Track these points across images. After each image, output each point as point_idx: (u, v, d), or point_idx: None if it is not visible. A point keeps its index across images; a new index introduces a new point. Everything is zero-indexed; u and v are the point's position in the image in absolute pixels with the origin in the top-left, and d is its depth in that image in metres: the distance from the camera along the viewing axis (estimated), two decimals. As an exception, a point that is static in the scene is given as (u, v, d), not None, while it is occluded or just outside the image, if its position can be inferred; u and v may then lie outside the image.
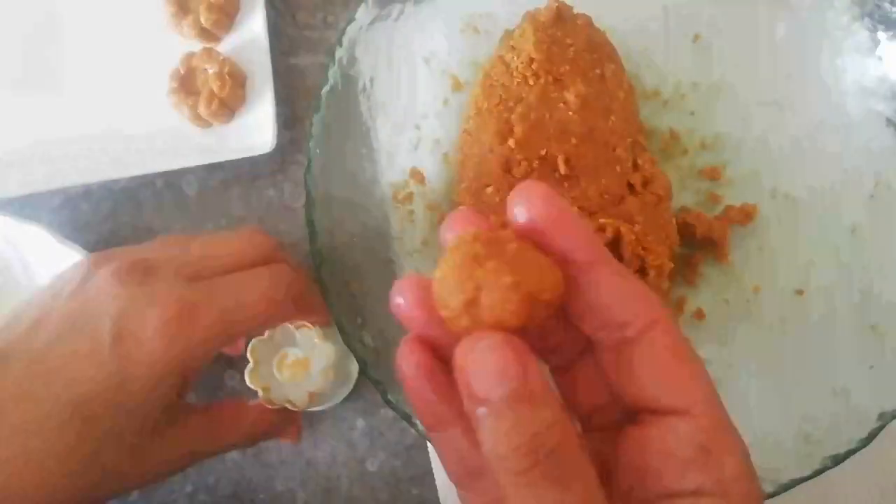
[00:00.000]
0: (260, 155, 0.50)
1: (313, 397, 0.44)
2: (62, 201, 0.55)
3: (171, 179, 0.54)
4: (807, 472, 0.37)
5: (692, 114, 0.47)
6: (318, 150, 0.43)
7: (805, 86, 0.45)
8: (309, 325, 0.44)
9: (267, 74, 0.51)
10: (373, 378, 0.40)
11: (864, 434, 0.38)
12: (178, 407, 0.37)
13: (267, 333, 0.44)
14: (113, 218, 0.54)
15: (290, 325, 0.44)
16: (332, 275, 0.42)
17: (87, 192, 0.55)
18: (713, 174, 0.46)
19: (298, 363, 0.45)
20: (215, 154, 0.51)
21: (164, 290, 0.35)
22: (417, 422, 0.40)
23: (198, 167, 0.52)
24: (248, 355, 0.44)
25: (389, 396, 0.40)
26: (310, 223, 0.42)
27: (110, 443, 0.33)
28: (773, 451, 0.38)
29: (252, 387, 0.45)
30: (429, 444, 0.49)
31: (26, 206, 0.54)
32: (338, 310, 0.41)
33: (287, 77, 0.54)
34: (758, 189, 0.45)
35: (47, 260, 0.50)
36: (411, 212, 0.46)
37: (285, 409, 0.43)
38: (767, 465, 0.37)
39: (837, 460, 0.37)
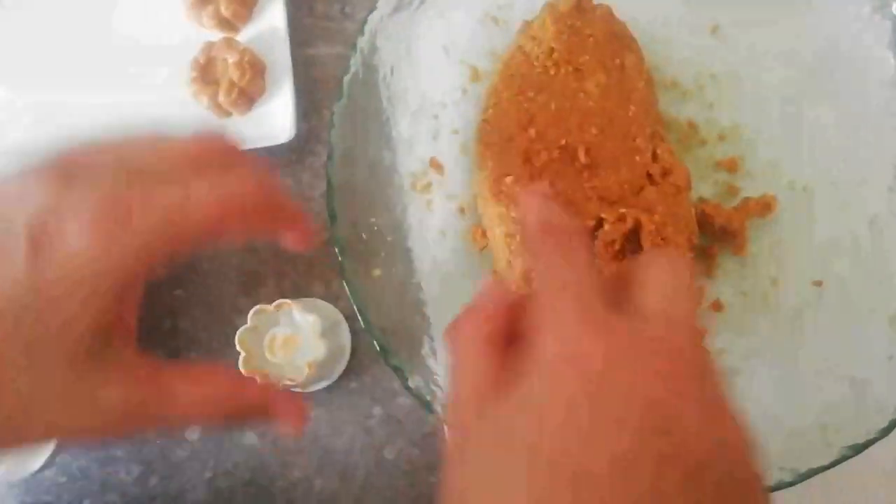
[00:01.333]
0: (277, 145, 0.50)
1: (312, 368, 0.45)
2: (82, 190, 0.55)
3: (190, 168, 0.54)
4: (826, 462, 0.38)
5: (711, 105, 0.47)
6: (339, 139, 0.43)
7: (825, 78, 0.45)
8: (289, 302, 0.46)
9: (286, 64, 0.51)
10: (393, 365, 0.41)
11: (884, 424, 0.38)
12: (115, 337, 0.30)
13: (250, 322, 0.46)
14: (132, 206, 0.55)
15: (269, 307, 0.46)
16: (353, 262, 0.42)
17: (107, 181, 0.55)
18: (731, 166, 0.46)
19: (288, 340, 0.47)
20: (234, 143, 0.51)
21: (96, 189, 0.28)
22: (437, 407, 0.40)
23: (217, 156, 0.52)
24: (238, 346, 0.46)
25: (410, 383, 0.40)
26: (331, 211, 0.42)
27: (22, 375, 0.27)
28: (792, 441, 0.38)
29: (248, 375, 0.46)
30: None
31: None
32: (359, 297, 0.41)
33: (304, 67, 0.54)
34: (776, 181, 0.45)
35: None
36: (430, 201, 0.46)
37: (287, 391, 0.44)
38: (786, 454, 0.38)
39: (857, 450, 0.38)
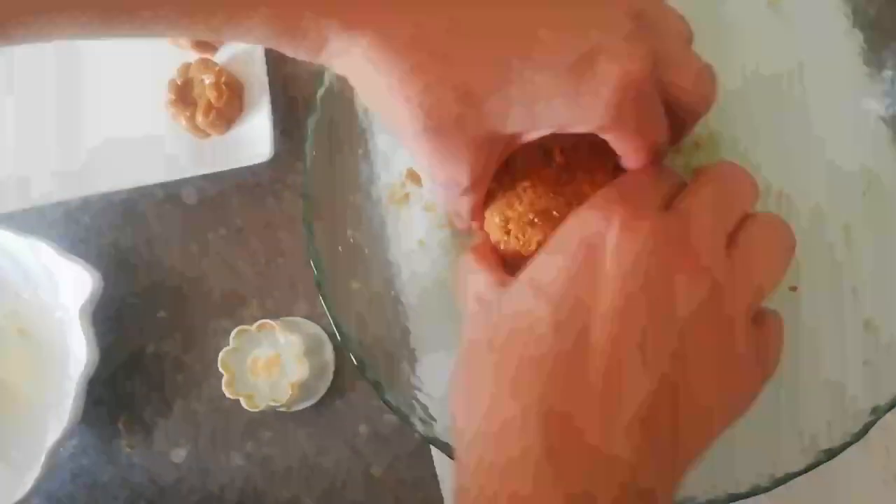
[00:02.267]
0: (258, 164, 0.50)
1: (296, 388, 0.45)
2: (62, 214, 0.55)
3: (171, 190, 0.54)
4: (801, 467, 0.38)
5: None
6: (314, 152, 0.43)
7: (796, 85, 0.45)
8: (271, 323, 0.46)
9: (263, 84, 0.51)
10: (371, 379, 0.40)
11: (858, 428, 0.38)
12: None
13: (232, 343, 0.46)
14: (113, 229, 0.55)
15: (251, 328, 0.46)
16: (330, 275, 0.42)
17: (87, 205, 0.55)
18: None
19: (270, 361, 0.47)
20: (214, 164, 0.51)
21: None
22: (415, 421, 0.40)
23: (197, 177, 0.52)
24: (221, 368, 0.46)
25: (387, 396, 0.40)
26: (307, 226, 0.42)
27: None
28: (768, 446, 0.38)
29: (233, 398, 0.46)
30: (432, 448, 0.49)
31: (27, 220, 0.54)
32: (336, 311, 0.41)
33: (282, 87, 0.54)
34: None
35: (50, 274, 0.51)
36: (408, 213, 0.46)
37: None
38: (762, 459, 0.38)
39: (832, 454, 0.38)
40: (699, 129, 0.46)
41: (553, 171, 0.42)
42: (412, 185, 0.46)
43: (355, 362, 0.41)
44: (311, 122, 0.43)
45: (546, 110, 0.28)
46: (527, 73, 0.27)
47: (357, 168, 0.45)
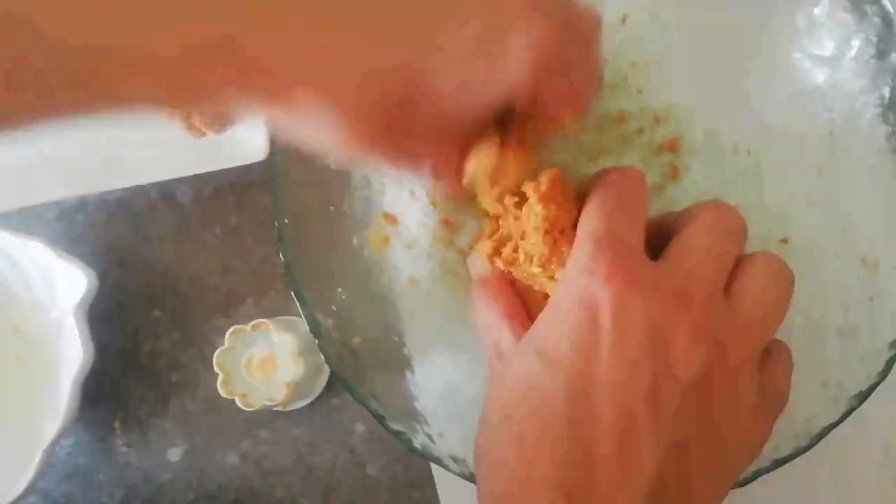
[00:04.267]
0: (254, 163, 0.50)
1: (291, 388, 0.45)
2: (57, 214, 0.55)
3: (166, 189, 0.54)
4: (836, 418, 0.38)
5: (640, 91, 0.46)
6: (286, 229, 0.42)
7: (744, 42, 0.45)
8: (265, 322, 0.46)
9: (259, 82, 0.51)
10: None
11: (881, 366, 0.38)
12: None
13: (227, 343, 0.46)
14: (108, 229, 0.55)
15: (245, 328, 0.46)
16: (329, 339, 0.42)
17: (82, 204, 0.55)
18: (673, 145, 0.45)
19: (265, 361, 0.47)
20: (210, 163, 0.51)
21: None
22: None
23: (192, 176, 0.52)
24: (216, 368, 0.46)
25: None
26: (297, 296, 0.41)
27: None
28: (798, 405, 0.37)
29: (228, 397, 0.46)
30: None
31: (22, 220, 0.54)
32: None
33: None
34: (720, 149, 0.44)
35: (45, 273, 0.50)
36: (392, 254, 0.45)
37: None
38: (797, 419, 0.38)
39: (862, 398, 0.38)
40: (656, 105, 0.46)
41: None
42: (390, 226, 0.45)
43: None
44: (274, 198, 0.42)
45: (471, 75, 0.27)
46: (443, 44, 0.26)
47: (332, 225, 0.45)
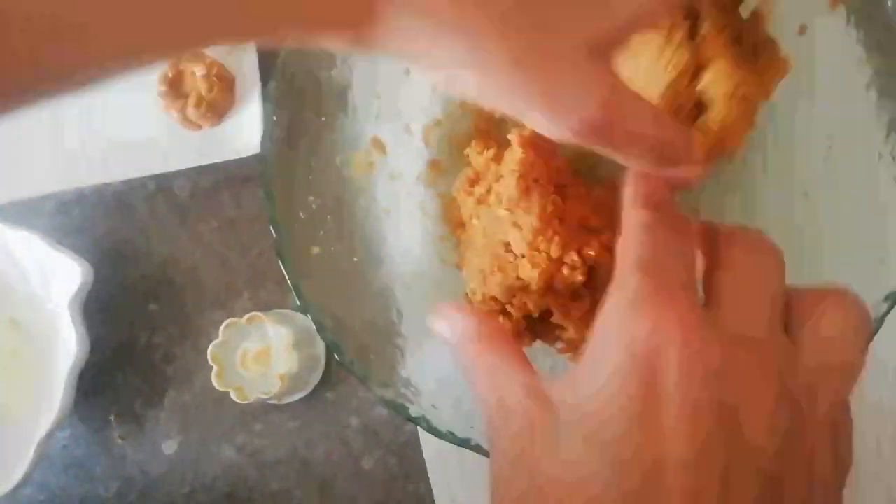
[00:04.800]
0: (250, 156, 0.50)
1: (285, 380, 0.45)
2: (55, 206, 0.55)
3: (163, 182, 0.54)
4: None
5: None
6: (274, 117, 0.41)
7: None
8: (260, 315, 0.46)
9: (254, 76, 0.51)
10: (323, 335, 0.39)
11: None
12: None
13: (221, 336, 0.46)
14: (105, 221, 0.55)
15: (240, 321, 0.46)
16: (291, 242, 0.41)
17: (80, 197, 0.55)
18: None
19: (260, 354, 0.47)
20: (205, 156, 0.51)
21: None
22: (371, 386, 0.39)
23: (188, 169, 0.52)
24: (210, 361, 0.46)
25: (344, 358, 0.39)
26: (266, 190, 0.40)
27: None
28: None
29: (222, 389, 0.46)
30: (422, 441, 0.49)
31: (19, 213, 0.54)
32: (295, 277, 0.40)
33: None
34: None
35: (42, 266, 0.51)
36: (373, 181, 0.44)
37: None
38: None
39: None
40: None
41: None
42: (377, 153, 0.45)
43: (313, 323, 0.39)
44: (272, 87, 0.42)
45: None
46: None
47: (320, 133, 0.44)
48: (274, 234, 0.40)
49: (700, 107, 0.33)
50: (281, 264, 0.40)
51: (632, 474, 0.22)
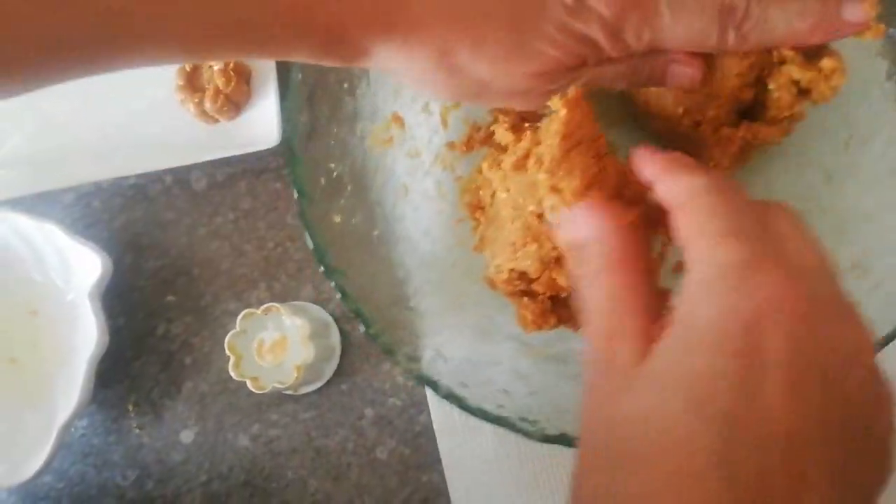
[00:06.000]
0: (266, 149, 0.51)
1: (301, 371, 0.46)
2: (74, 199, 0.56)
3: (180, 175, 0.55)
4: None
5: None
6: (299, 75, 0.41)
7: None
8: (277, 306, 0.46)
9: (271, 70, 0.52)
10: (347, 302, 0.39)
11: None
12: None
13: (238, 326, 0.47)
14: (123, 214, 0.55)
15: (257, 311, 0.47)
16: (313, 206, 0.41)
17: (99, 189, 0.56)
18: None
19: (276, 344, 0.48)
20: (222, 149, 0.51)
21: None
22: (399, 358, 0.39)
23: (205, 162, 0.53)
24: (227, 351, 0.47)
25: (371, 331, 0.39)
26: (289, 154, 0.41)
27: None
28: None
29: (239, 379, 0.47)
30: (436, 431, 0.49)
31: (39, 204, 0.55)
32: (318, 239, 0.40)
33: (289, 71, 0.54)
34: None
35: (62, 257, 0.51)
36: (392, 156, 0.45)
37: None
38: None
39: None
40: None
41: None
42: (397, 128, 0.45)
43: (337, 291, 0.39)
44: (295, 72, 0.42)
45: None
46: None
47: (342, 98, 0.44)
48: (296, 198, 0.40)
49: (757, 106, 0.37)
50: (306, 232, 0.40)
51: (741, 447, 0.21)
